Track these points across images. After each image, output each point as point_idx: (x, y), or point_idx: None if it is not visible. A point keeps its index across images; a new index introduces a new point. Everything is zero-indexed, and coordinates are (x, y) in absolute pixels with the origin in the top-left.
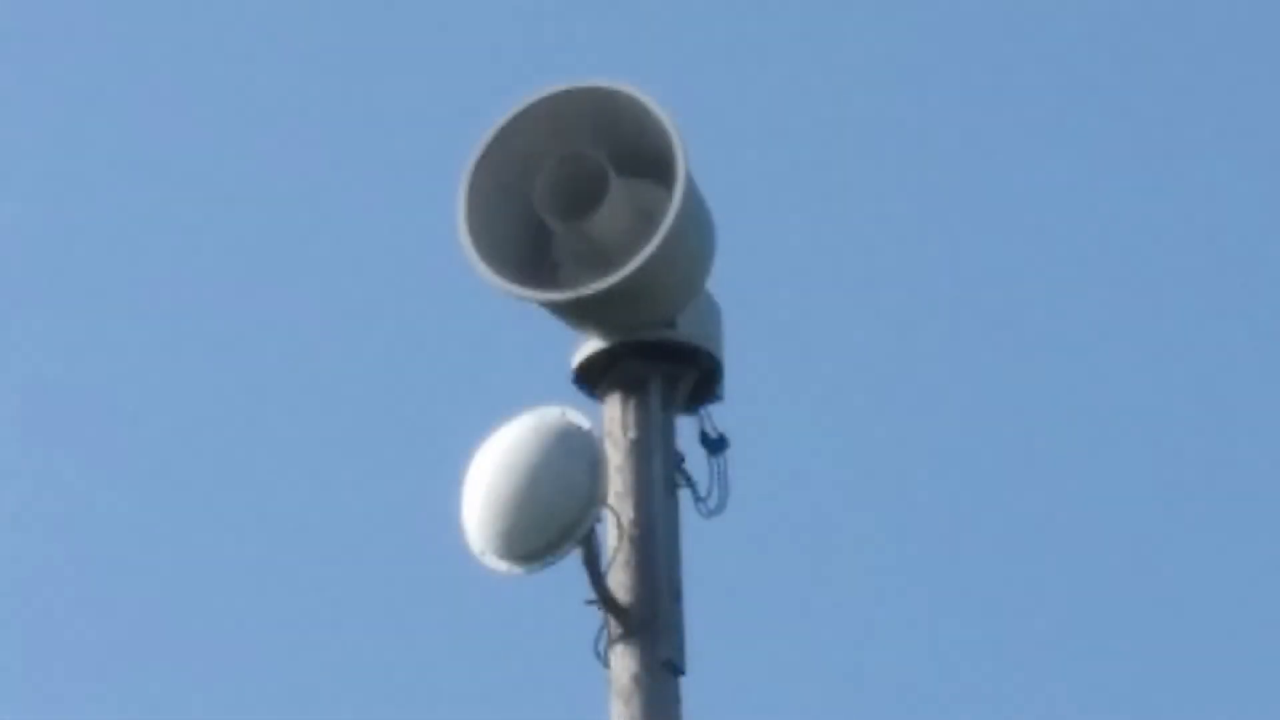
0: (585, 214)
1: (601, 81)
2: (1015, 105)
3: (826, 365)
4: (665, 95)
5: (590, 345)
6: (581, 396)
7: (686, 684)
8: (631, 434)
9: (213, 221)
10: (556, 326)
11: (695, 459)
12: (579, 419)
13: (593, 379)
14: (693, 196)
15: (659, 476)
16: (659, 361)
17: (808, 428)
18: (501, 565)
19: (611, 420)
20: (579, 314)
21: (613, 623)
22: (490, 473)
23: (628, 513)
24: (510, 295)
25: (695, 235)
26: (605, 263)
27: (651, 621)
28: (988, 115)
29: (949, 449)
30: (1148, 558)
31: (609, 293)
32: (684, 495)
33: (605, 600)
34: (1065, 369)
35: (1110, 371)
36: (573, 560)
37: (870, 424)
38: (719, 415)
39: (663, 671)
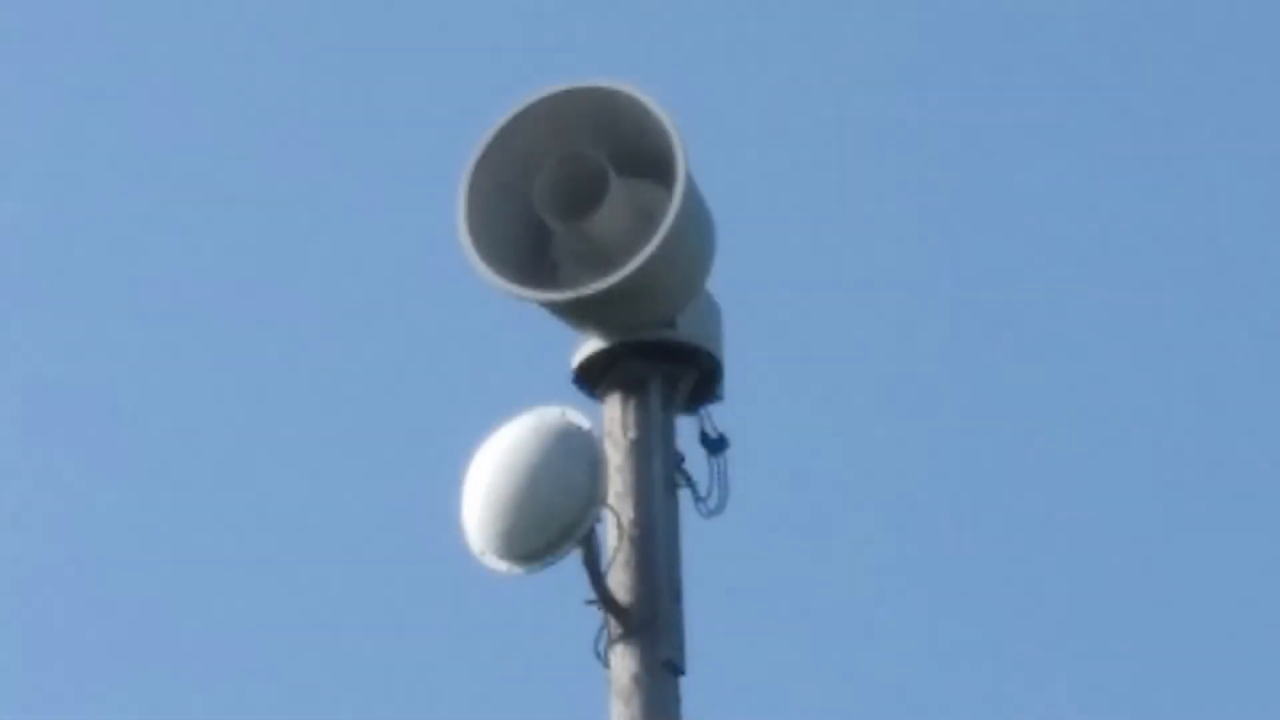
0: (585, 214)
1: (601, 81)
2: (1015, 105)
3: (826, 365)
4: (665, 95)
5: (590, 345)
6: (581, 396)
7: (686, 684)
8: (631, 434)
9: (213, 221)
10: (556, 326)
11: (695, 459)
12: (579, 419)
13: (593, 379)
14: (693, 196)
15: (659, 476)
16: (659, 361)
17: (808, 428)
18: (501, 565)
19: (611, 420)
20: (579, 314)
21: (613, 623)
22: (490, 473)
23: (628, 513)
24: (510, 295)
25: (695, 235)
26: (605, 263)
27: (651, 621)
28: (988, 115)
29: (949, 449)
30: (1148, 558)
31: (609, 293)
32: (684, 495)
33: (605, 600)
34: (1065, 369)
35: (1110, 371)
36: (573, 560)
37: (870, 424)
38: (719, 415)
39: (663, 671)
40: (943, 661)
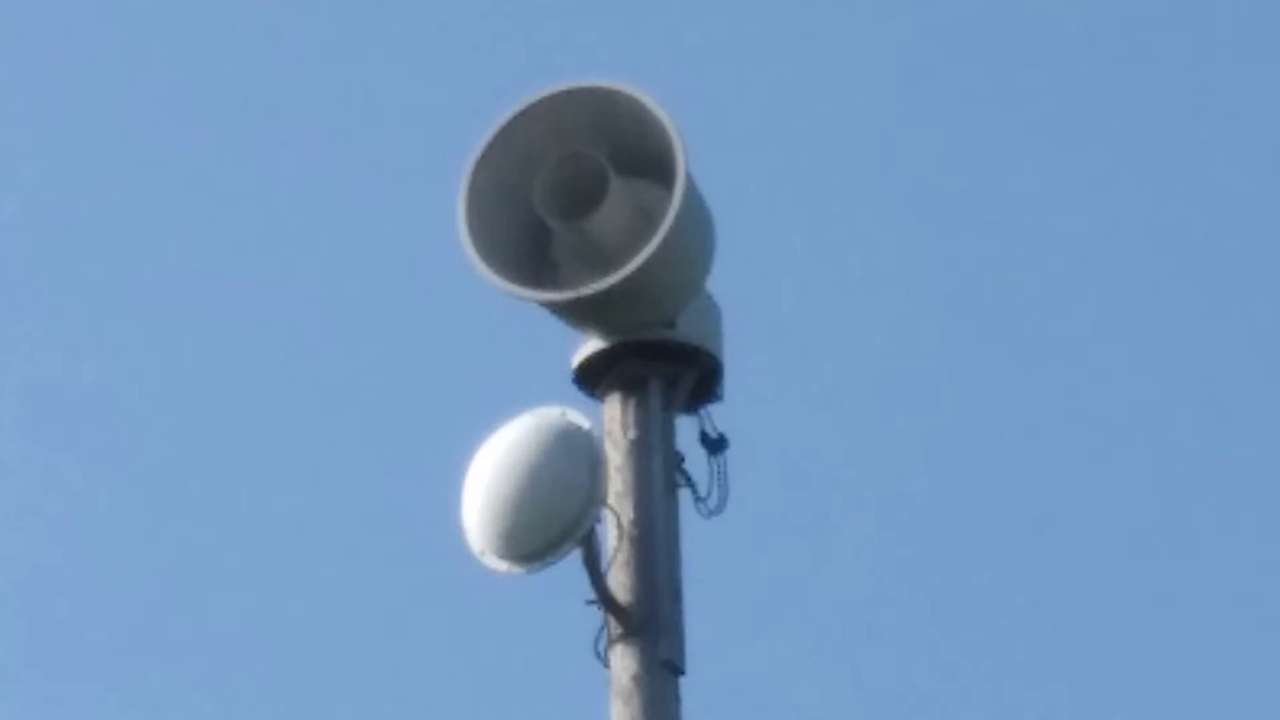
0: (585, 214)
1: (601, 81)
2: (1015, 105)
3: (826, 365)
4: (665, 95)
5: (590, 345)
6: (581, 396)
7: (686, 684)
8: (631, 434)
9: (213, 221)
10: (556, 326)
11: (695, 459)
12: (579, 419)
13: (593, 379)
14: (693, 196)
15: (659, 476)
16: (659, 361)
17: (808, 428)
18: (501, 565)
19: (611, 420)
20: (579, 314)
21: (613, 623)
22: (490, 473)
23: (628, 513)
24: (510, 295)
25: (695, 235)
26: (605, 262)
27: (651, 621)
28: (988, 115)
29: (949, 449)
30: (1148, 558)
31: (609, 293)
32: (684, 495)
33: (605, 600)
34: (1065, 369)
35: (1110, 372)
36: (573, 560)
37: (870, 424)
38: (719, 415)
39: (663, 671)
40: (942, 661)
